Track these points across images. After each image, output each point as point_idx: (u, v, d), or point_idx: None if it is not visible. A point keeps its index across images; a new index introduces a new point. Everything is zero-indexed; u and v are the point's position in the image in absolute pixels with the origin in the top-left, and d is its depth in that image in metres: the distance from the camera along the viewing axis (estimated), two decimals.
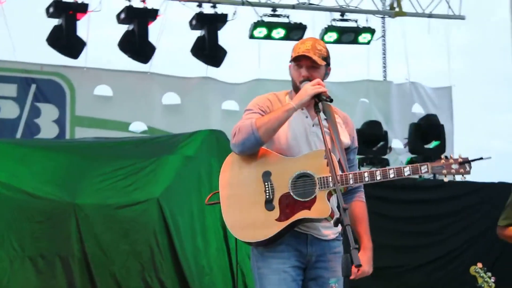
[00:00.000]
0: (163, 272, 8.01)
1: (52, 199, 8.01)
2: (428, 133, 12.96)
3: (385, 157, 12.86)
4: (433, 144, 13.01)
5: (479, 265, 7.04)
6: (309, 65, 4.60)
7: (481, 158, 4.32)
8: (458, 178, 4.35)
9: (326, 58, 4.65)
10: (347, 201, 4.68)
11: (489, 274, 6.98)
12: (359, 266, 3.79)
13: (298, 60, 4.62)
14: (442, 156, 4.39)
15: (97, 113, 13.53)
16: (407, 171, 4.37)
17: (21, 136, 12.78)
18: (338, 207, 4.08)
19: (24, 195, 7.96)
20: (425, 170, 4.35)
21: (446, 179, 4.38)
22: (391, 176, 4.40)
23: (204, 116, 13.90)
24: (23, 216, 7.88)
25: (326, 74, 4.72)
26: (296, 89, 4.63)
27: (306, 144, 4.60)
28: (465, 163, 4.31)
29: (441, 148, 12.86)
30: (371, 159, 12.39)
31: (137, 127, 13.75)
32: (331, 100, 4.51)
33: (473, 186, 11.23)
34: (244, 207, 4.52)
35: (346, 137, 4.72)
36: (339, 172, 4.41)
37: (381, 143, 12.80)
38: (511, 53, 15.71)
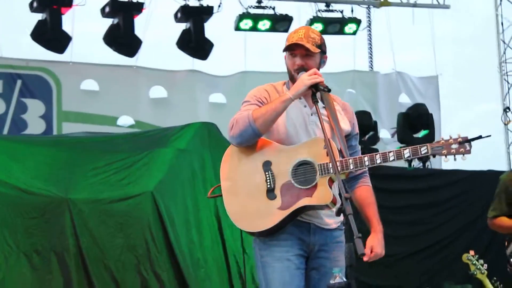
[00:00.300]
0: (158, 265, 7.98)
1: (46, 194, 7.95)
2: (416, 122, 12.97)
3: (375, 147, 12.87)
4: (422, 133, 13.03)
5: (472, 252, 7.07)
6: (303, 53, 4.58)
7: (480, 137, 4.28)
8: (459, 158, 4.31)
9: (321, 46, 4.62)
10: (352, 187, 4.70)
11: (481, 261, 7.02)
12: (362, 255, 3.80)
13: (292, 49, 4.60)
14: (442, 137, 4.38)
15: (84, 108, 13.49)
16: (407, 153, 4.36)
17: (7, 132, 12.73)
18: (341, 196, 4.09)
19: (17, 191, 7.90)
20: (424, 151, 4.33)
21: (446, 159, 4.36)
22: (391, 158, 4.39)
23: (191, 109, 13.89)
24: (16, 212, 7.80)
25: (322, 62, 4.70)
26: (292, 78, 4.63)
27: (305, 133, 4.59)
28: (464, 142, 4.28)
29: (430, 137, 12.86)
30: (361, 149, 12.36)
31: (125, 121, 13.72)
32: (329, 90, 4.52)
33: (463, 174, 11.28)
34: (245, 198, 4.52)
35: (346, 124, 4.70)
36: (338, 159, 4.39)
37: (371, 133, 12.82)
38: (496, 42, 15.82)
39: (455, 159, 4.31)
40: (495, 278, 7.27)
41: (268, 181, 4.47)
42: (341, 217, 4.58)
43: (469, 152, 4.29)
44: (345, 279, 4.00)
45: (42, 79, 13.32)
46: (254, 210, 4.49)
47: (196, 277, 8.15)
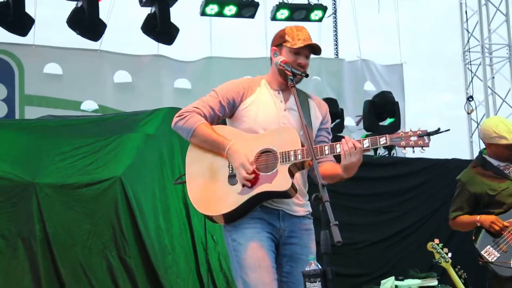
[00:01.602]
0: (125, 252, 7.93)
1: (12, 178, 7.84)
2: (382, 110, 12.96)
3: (341, 134, 12.87)
4: (388, 121, 13.05)
5: (436, 241, 7.15)
6: (306, 54, 4.74)
7: (439, 130, 4.32)
8: (418, 150, 4.35)
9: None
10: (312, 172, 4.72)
11: (446, 250, 7.09)
12: (339, 243, 3.77)
13: (305, 47, 4.71)
14: (402, 129, 4.42)
15: (47, 91, 13.33)
16: (366, 143, 4.40)
17: None
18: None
19: None
20: (383, 142, 4.38)
21: (405, 151, 4.42)
22: (338, 150, 4.46)
23: (156, 94, 13.83)
24: None
25: None
26: (282, 73, 4.70)
27: (275, 126, 4.67)
28: (424, 135, 4.32)
29: (396, 125, 12.88)
30: None
31: (89, 105, 13.60)
32: (307, 75, 4.66)
33: (427, 162, 11.33)
34: (207, 183, 4.60)
35: (318, 120, 4.84)
36: (296, 148, 4.48)
37: (337, 120, 12.81)
38: (459, 31, 15.93)
39: (413, 151, 4.36)
40: (458, 266, 7.35)
41: (230, 166, 4.56)
42: (309, 208, 4.78)
43: (427, 145, 4.33)
44: (320, 267, 4.01)
45: (4, 62, 13.12)
46: (214, 194, 4.57)
47: (164, 264, 8.11)
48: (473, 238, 6.64)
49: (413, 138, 4.33)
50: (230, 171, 4.54)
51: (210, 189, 4.57)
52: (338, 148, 4.43)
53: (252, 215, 4.56)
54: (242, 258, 4.57)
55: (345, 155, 4.40)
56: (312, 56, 4.82)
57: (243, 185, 4.48)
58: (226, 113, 4.75)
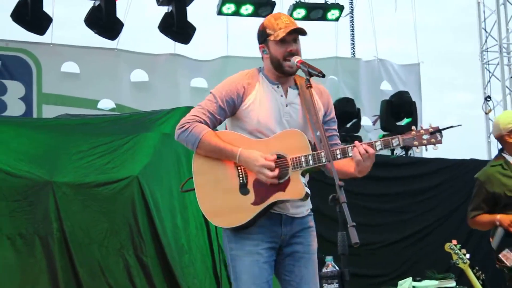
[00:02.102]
0: (142, 251, 7.92)
1: (29, 177, 7.84)
2: (400, 110, 12.93)
3: (358, 134, 12.85)
4: (405, 121, 13.01)
5: (454, 242, 7.12)
6: (293, 38, 4.56)
7: (452, 126, 4.30)
8: (430, 148, 4.32)
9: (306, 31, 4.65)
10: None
11: (464, 250, 7.06)
12: (356, 244, 3.74)
13: (291, 34, 4.53)
14: (413, 128, 4.37)
15: (64, 90, 13.39)
16: (378, 145, 4.35)
17: None
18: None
19: (1, 173, 7.78)
20: (396, 143, 4.34)
21: (418, 150, 4.40)
22: (338, 156, 4.39)
23: (172, 93, 13.86)
24: (0, 195, 7.71)
25: None
26: (279, 67, 4.58)
27: (279, 124, 4.58)
28: (435, 132, 4.28)
29: (413, 125, 12.79)
30: (343, 136, 12.34)
31: (105, 104, 13.65)
32: (323, 76, 4.46)
33: (445, 162, 11.31)
34: (218, 193, 4.49)
35: (321, 110, 4.69)
36: (307, 152, 4.40)
37: (354, 120, 12.78)
38: (477, 31, 15.86)
39: (426, 150, 4.34)
40: (476, 267, 7.31)
41: (241, 176, 4.48)
42: (310, 205, 4.71)
43: (440, 142, 4.29)
44: (337, 268, 4.01)
45: (22, 61, 13.18)
46: (227, 206, 4.47)
47: (181, 263, 8.09)
48: (491, 239, 6.62)
49: (426, 137, 4.28)
50: (241, 181, 4.45)
51: (222, 201, 4.47)
52: (350, 152, 4.35)
53: (255, 223, 4.50)
54: (237, 271, 4.54)
55: (358, 163, 4.35)
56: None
57: (271, 184, 4.38)
58: (227, 115, 4.63)
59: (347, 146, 4.39)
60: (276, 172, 4.37)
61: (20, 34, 12.81)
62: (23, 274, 7.66)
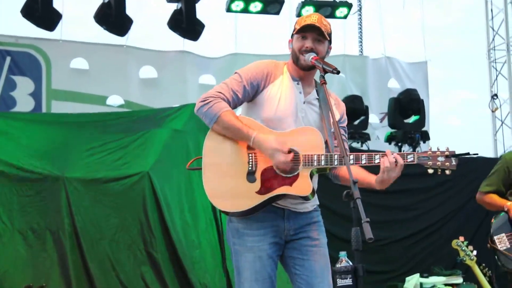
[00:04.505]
0: (152, 246, 7.99)
1: (41, 172, 7.95)
2: (407, 108, 12.95)
3: (366, 131, 12.90)
4: (412, 119, 13.04)
5: (461, 238, 7.16)
6: (314, 37, 4.58)
7: (468, 153, 4.30)
8: (438, 145, 4.31)
9: (330, 35, 4.65)
10: (334, 173, 4.68)
11: (471, 247, 7.10)
12: (370, 240, 3.72)
13: (304, 31, 4.58)
14: (430, 147, 4.35)
15: (73, 86, 13.40)
16: (377, 158, 4.32)
17: None
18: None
19: (13, 169, 7.89)
20: (411, 159, 4.32)
21: (430, 171, 4.34)
22: (377, 161, 4.35)
23: (181, 90, 13.89)
24: (12, 190, 7.82)
25: (327, 52, 4.70)
26: (297, 60, 4.60)
27: (294, 119, 4.58)
28: (451, 156, 4.26)
29: (421, 122, 12.90)
30: (351, 133, 12.40)
31: (114, 100, 13.65)
32: (338, 72, 4.42)
33: None
34: (225, 176, 4.46)
35: (337, 116, 4.69)
36: (320, 152, 4.40)
37: (362, 117, 12.81)
38: (485, 29, 15.88)
39: (438, 173, 4.28)
40: (483, 264, 7.35)
41: (250, 163, 4.46)
42: (317, 201, 4.69)
43: (453, 167, 4.27)
44: (350, 263, 4.02)
45: (31, 57, 13.21)
46: (231, 190, 4.45)
47: (191, 259, 8.16)
48: (492, 220, 6.66)
49: (441, 159, 4.26)
50: (250, 168, 4.43)
51: (228, 184, 4.44)
52: (377, 159, 4.33)
53: (255, 216, 4.48)
54: (240, 267, 4.54)
55: (384, 170, 4.33)
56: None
57: (283, 172, 4.37)
58: (249, 97, 4.61)
59: (375, 153, 4.37)
60: (289, 157, 4.37)
61: (30, 30, 12.85)
62: (35, 269, 7.76)
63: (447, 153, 4.27)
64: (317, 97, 4.62)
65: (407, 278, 9.34)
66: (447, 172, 4.27)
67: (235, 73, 4.63)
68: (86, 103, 13.20)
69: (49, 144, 8.31)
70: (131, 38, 13.58)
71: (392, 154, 4.32)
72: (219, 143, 4.52)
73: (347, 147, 4.63)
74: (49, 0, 12.57)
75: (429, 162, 4.28)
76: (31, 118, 9.37)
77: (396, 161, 4.30)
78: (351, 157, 4.36)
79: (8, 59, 12.98)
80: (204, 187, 4.50)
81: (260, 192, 4.41)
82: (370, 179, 4.49)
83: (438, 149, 4.31)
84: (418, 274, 9.24)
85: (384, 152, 4.37)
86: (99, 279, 7.81)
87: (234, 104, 4.57)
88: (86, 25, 13.41)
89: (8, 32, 13.29)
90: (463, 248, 7.15)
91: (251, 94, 4.59)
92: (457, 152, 4.28)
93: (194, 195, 8.47)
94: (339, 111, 4.75)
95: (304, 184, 4.38)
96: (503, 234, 6.48)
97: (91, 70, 13.63)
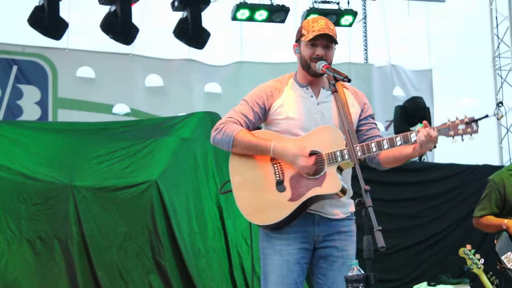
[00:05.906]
0: (160, 254, 8.00)
1: (49, 180, 7.95)
2: (413, 116, 12.96)
3: None
4: (418, 127, 13.01)
5: (468, 247, 7.13)
6: (324, 44, 4.60)
7: (487, 116, 4.27)
8: (466, 138, 4.23)
9: (336, 40, 4.66)
10: (373, 159, 4.66)
11: (478, 255, 7.08)
12: (382, 248, 3.76)
13: (315, 38, 4.58)
14: (448, 118, 4.33)
15: (79, 95, 13.41)
16: (413, 137, 4.30)
17: (3, 118, 12.63)
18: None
19: (21, 177, 7.89)
20: (434, 134, 4.26)
21: (454, 141, 4.28)
22: (398, 143, 4.32)
23: (187, 98, 13.91)
24: (20, 198, 7.80)
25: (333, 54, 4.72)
26: (308, 68, 4.63)
27: (310, 123, 4.59)
28: (471, 122, 4.23)
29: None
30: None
31: (120, 109, 13.67)
32: (349, 80, 4.49)
33: (458, 168, 11.35)
34: (255, 191, 4.52)
35: (356, 110, 4.70)
36: (342, 147, 4.39)
37: None
38: (489, 37, 15.89)
39: (462, 140, 4.23)
40: (490, 272, 7.34)
41: (277, 173, 4.50)
42: (351, 209, 4.68)
43: (476, 131, 4.23)
44: (362, 271, 4.01)
45: (38, 65, 13.24)
46: (264, 203, 4.50)
47: (198, 267, 8.18)
48: (495, 242, 6.66)
49: (461, 127, 4.23)
50: (277, 178, 4.48)
51: (259, 198, 4.50)
52: (386, 144, 4.30)
53: (294, 221, 4.50)
54: (267, 271, 4.59)
55: (421, 144, 4.28)
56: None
57: (308, 174, 4.40)
58: (260, 119, 4.67)
59: (409, 132, 4.34)
60: (312, 160, 4.40)
61: (36, 39, 12.87)
62: (43, 277, 7.76)
63: (466, 119, 4.24)
64: (330, 92, 4.55)
65: (414, 287, 9.33)
66: (471, 136, 4.23)
67: (241, 100, 4.72)
68: (92, 111, 13.22)
69: (57, 152, 8.32)
70: (137, 46, 13.60)
71: (425, 129, 4.27)
72: (242, 162, 4.60)
73: (379, 133, 4.70)
74: (56, 9, 12.58)
75: (450, 132, 4.25)
76: (39, 126, 9.36)
77: (430, 135, 4.23)
78: (373, 145, 4.34)
79: (15, 68, 13.01)
80: (239, 208, 4.55)
81: (292, 199, 4.45)
82: (405, 150, 4.44)
83: (456, 118, 4.28)
84: (425, 282, 9.23)
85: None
86: (107, 287, 7.81)
87: (247, 126, 4.63)
88: (92, 34, 13.46)
89: (15, 41, 13.31)
90: (470, 257, 7.13)
91: (261, 115, 4.67)
92: (476, 118, 4.25)
93: (202, 203, 8.50)
94: (358, 101, 4.76)
95: (333, 181, 4.40)
96: (510, 253, 6.48)
97: (97, 78, 13.64)
